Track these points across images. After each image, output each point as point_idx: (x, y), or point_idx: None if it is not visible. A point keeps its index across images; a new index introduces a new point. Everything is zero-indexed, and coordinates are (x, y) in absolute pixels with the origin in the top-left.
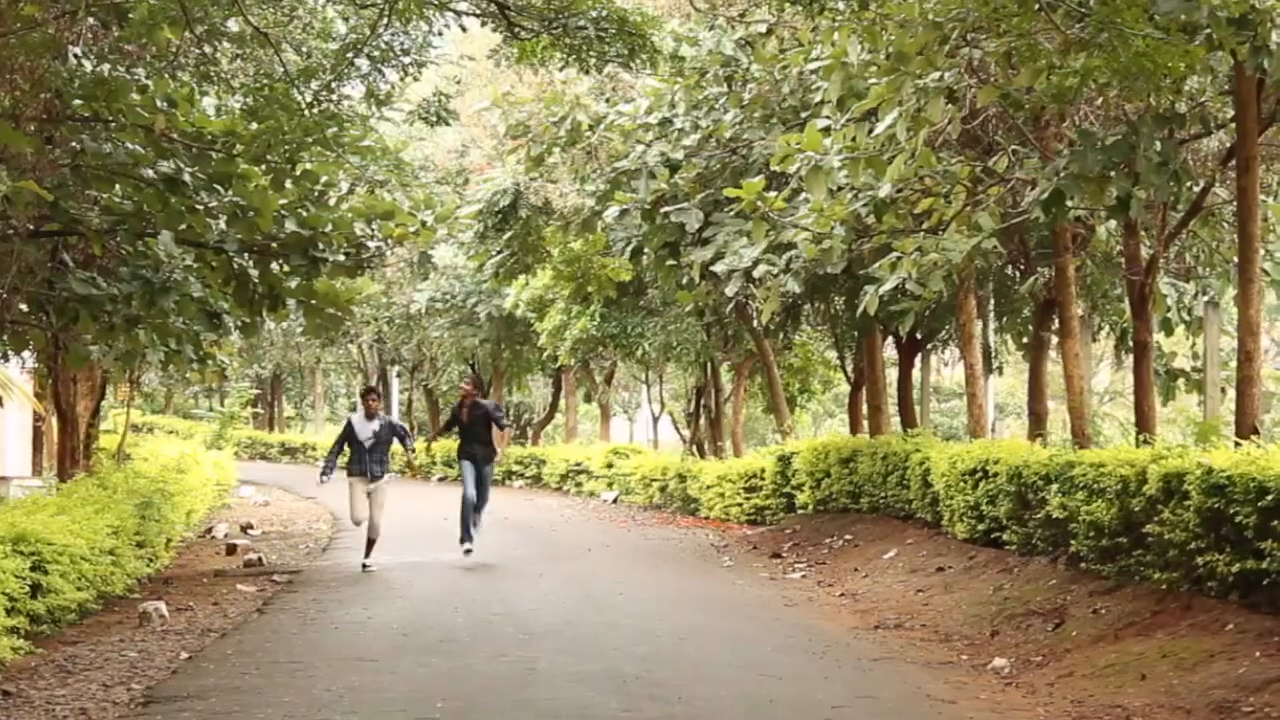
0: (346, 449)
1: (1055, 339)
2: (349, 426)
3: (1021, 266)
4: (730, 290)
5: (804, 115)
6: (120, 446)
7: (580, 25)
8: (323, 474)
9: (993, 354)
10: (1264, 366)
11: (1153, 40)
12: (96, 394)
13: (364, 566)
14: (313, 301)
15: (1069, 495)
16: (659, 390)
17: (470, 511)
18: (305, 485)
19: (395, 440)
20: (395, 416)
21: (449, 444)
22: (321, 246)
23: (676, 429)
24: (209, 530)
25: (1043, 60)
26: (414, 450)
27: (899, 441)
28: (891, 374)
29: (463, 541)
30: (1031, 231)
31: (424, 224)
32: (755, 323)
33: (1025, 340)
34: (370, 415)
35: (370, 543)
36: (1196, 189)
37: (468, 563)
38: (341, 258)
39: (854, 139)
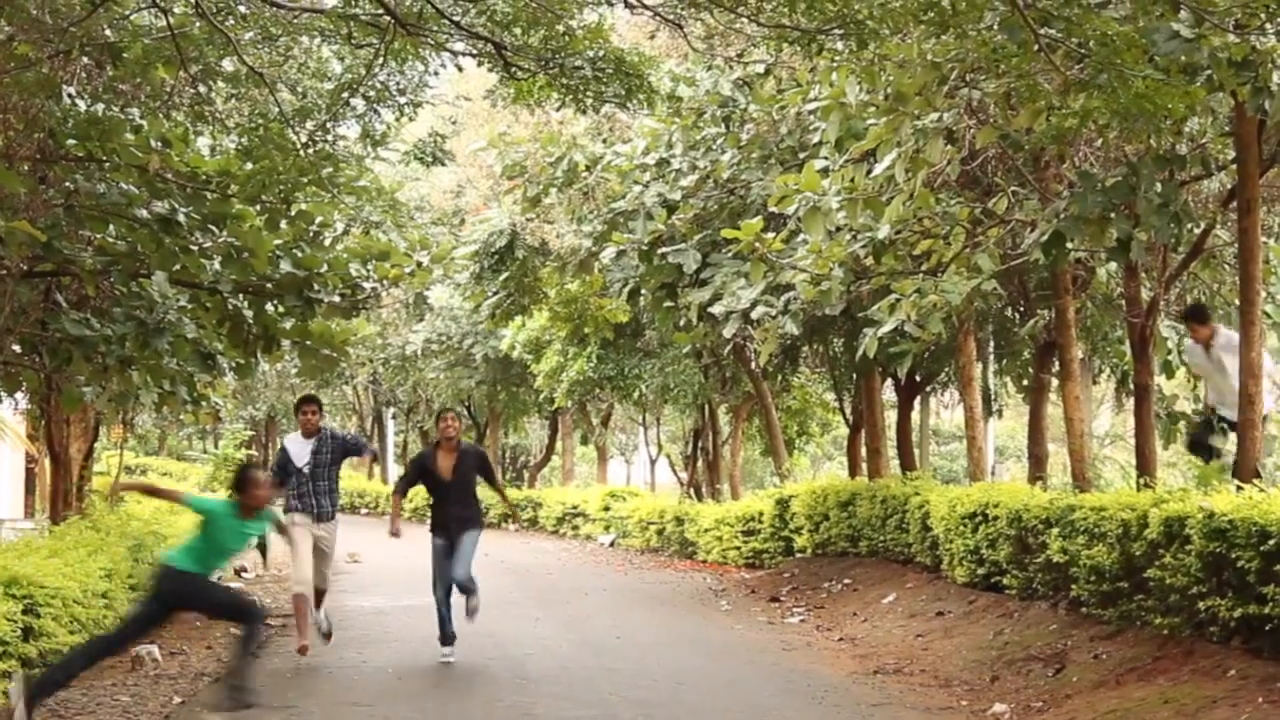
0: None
1: (1055, 381)
2: (282, 450)
3: (1021, 308)
4: (728, 332)
5: (802, 156)
6: (114, 488)
7: (577, 65)
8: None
9: (992, 396)
10: (1266, 409)
11: (1153, 81)
12: (90, 436)
13: (327, 636)
14: (308, 343)
15: (1069, 539)
16: (656, 432)
17: (446, 606)
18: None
19: (351, 456)
20: (346, 429)
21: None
22: (316, 287)
23: (674, 471)
24: None
25: (1042, 101)
26: (375, 456)
27: (898, 485)
28: (890, 416)
29: (443, 643)
30: (1031, 273)
31: (420, 265)
32: (753, 364)
33: (1025, 383)
34: (309, 432)
35: (319, 595)
36: (1197, 231)
37: (460, 614)
38: (337, 298)
39: (852, 180)
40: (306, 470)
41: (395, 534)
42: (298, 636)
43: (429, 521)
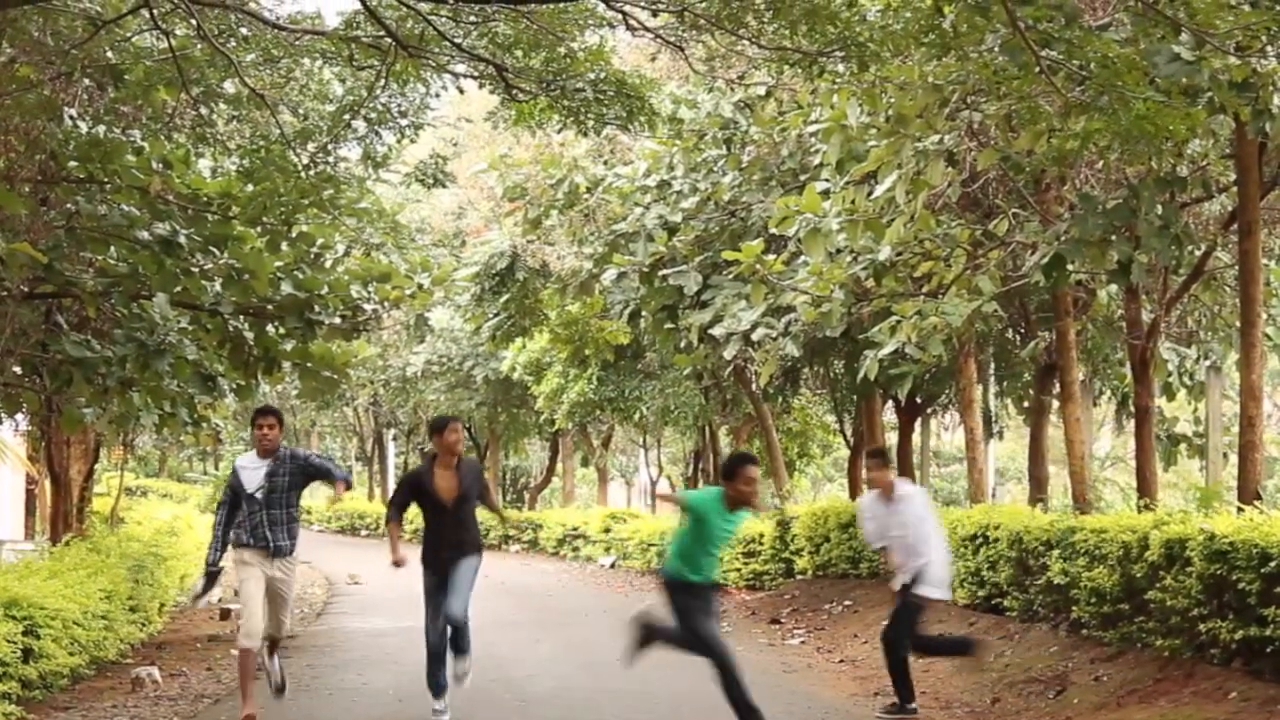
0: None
1: (1056, 403)
2: (233, 473)
3: (1022, 330)
4: (729, 353)
5: (803, 177)
6: (114, 510)
7: (578, 87)
8: (209, 565)
9: (993, 418)
10: (1267, 432)
11: (1154, 103)
12: (90, 457)
13: (279, 690)
14: (308, 364)
15: (1070, 561)
16: (657, 454)
17: (440, 650)
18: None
19: (314, 481)
20: (311, 450)
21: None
22: (317, 309)
23: None
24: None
25: (1043, 123)
26: (347, 484)
27: None
28: (891, 438)
29: (435, 696)
30: (1032, 295)
31: (420, 286)
32: (754, 386)
33: (1026, 405)
34: (265, 452)
35: (273, 644)
36: (1198, 253)
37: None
38: (338, 320)
39: (853, 201)
40: (260, 497)
41: (399, 563)
42: (241, 703)
43: (421, 551)
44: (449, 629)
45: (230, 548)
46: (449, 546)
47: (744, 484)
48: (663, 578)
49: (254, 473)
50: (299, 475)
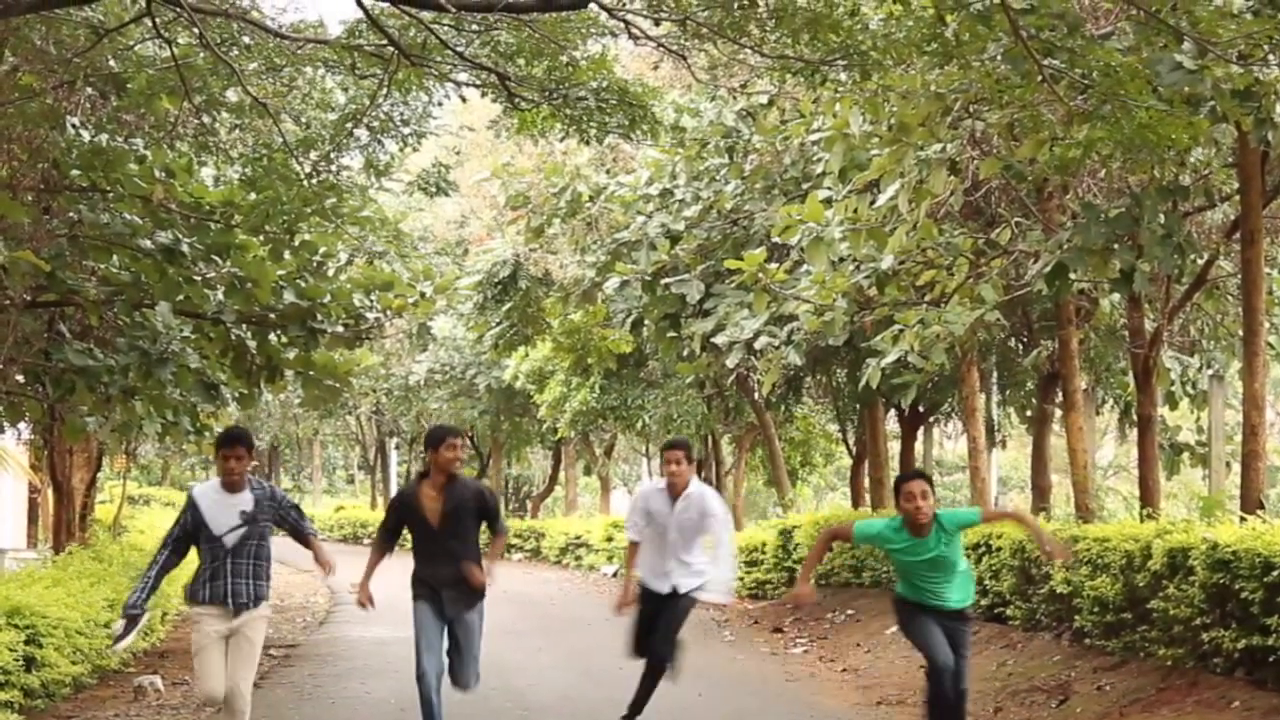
0: (193, 551)
1: (1059, 412)
2: (191, 508)
3: (1025, 339)
4: (731, 362)
5: (805, 186)
6: (116, 518)
7: (581, 96)
8: (129, 607)
9: (996, 427)
10: (1269, 440)
11: (1156, 112)
12: (93, 465)
13: None
14: (311, 373)
15: (1073, 570)
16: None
17: (436, 694)
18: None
19: (284, 529)
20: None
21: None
22: (320, 318)
23: None
24: None
25: (1046, 132)
26: (316, 544)
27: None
28: (894, 447)
29: None
30: (1035, 304)
31: (423, 295)
32: (756, 395)
33: (1028, 413)
34: (234, 485)
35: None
36: (1201, 262)
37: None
38: (340, 329)
39: (856, 210)
40: (228, 543)
41: (362, 604)
42: None
43: (411, 574)
44: (446, 674)
45: (187, 603)
46: (444, 582)
47: (905, 500)
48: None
49: (222, 511)
50: (269, 516)
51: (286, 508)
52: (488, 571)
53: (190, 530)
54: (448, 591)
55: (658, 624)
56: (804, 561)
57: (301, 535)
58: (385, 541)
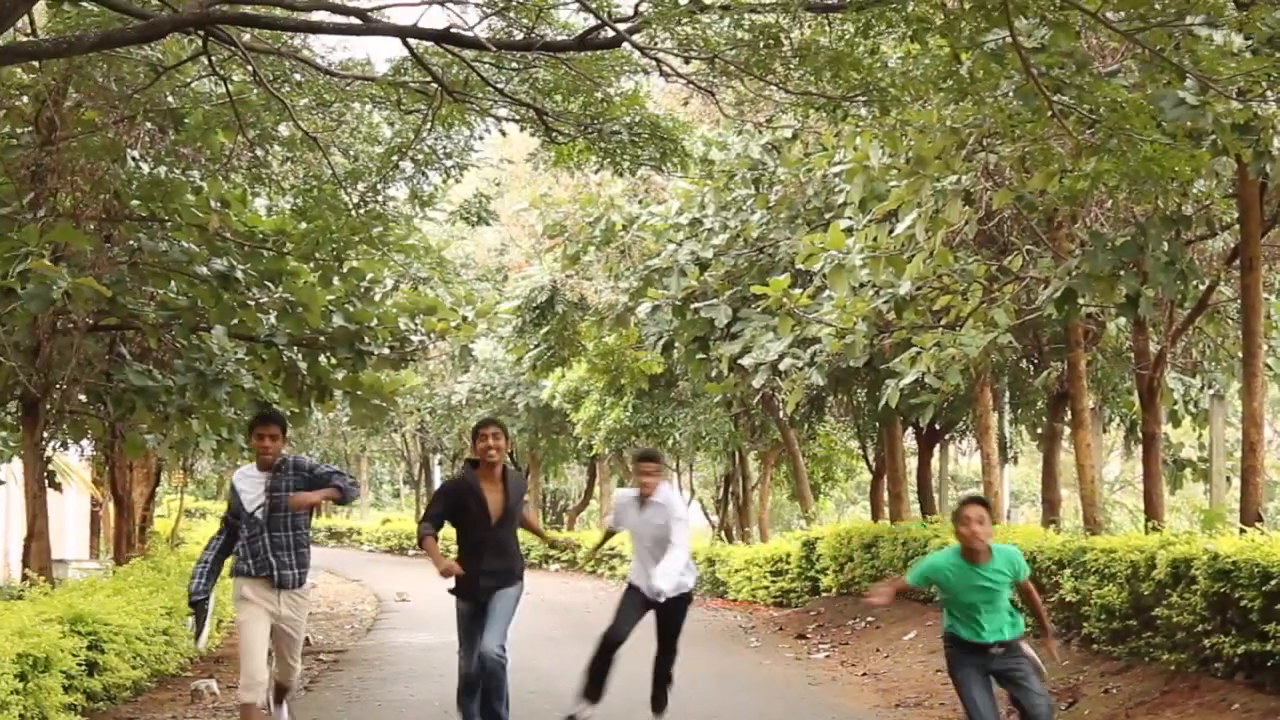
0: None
1: (1068, 430)
2: (233, 491)
3: (1035, 361)
4: (757, 382)
5: (827, 216)
6: (174, 531)
7: (614, 130)
8: (193, 597)
9: (1008, 444)
10: (1267, 457)
11: (1160, 145)
12: (151, 480)
13: None
14: (359, 393)
15: (1081, 579)
16: (689, 478)
17: (474, 684)
18: (351, 568)
19: (325, 495)
20: (323, 462)
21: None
22: (367, 340)
23: (706, 515)
24: None
25: (1055, 164)
26: (341, 495)
27: (919, 528)
28: (911, 463)
29: None
30: (1045, 328)
31: (465, 319)
32: (781, 413)
33: (1039, 431)
34: (267, 464)
35: (281, 691)
36: (1202, 287)
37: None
38: (386, 351)
39: (875, 239)
40: (260, 516)
41: (448, 571)
42: None
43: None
44: (483, 669)
45: (232, 578)
46: (488, 574)
47: (962, 524)
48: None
49: (254, 488)
50: (303, 486)
51: (316, 472)
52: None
53: (235, 511)
54: (490, 581)
55: (658, 635)
56: (893, 579)
57: (329, 482)
58: (434, 528)
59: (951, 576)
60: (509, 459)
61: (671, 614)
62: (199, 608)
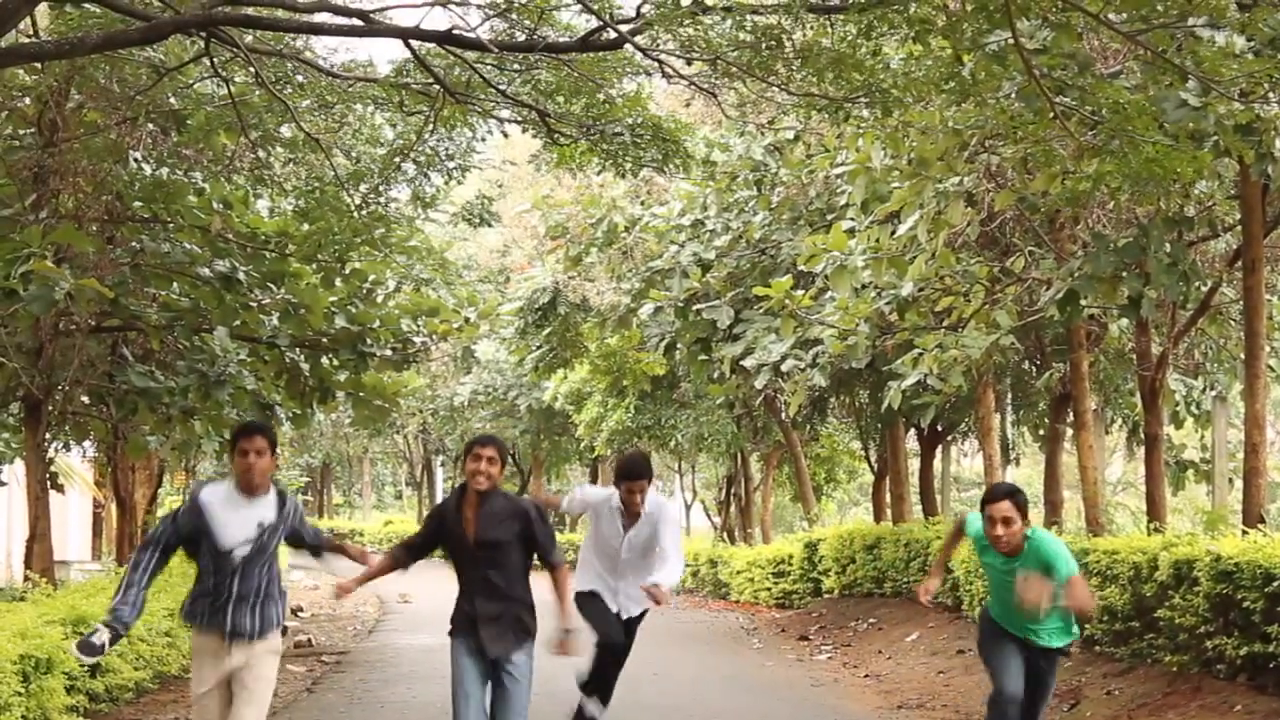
0: (186, 567)
1: (1070, 431)
2: (194, 512)
3: (1038, 362)
4: (759, 384)
5: (830, 217)
6: None
7: (617, 132)
8: (118, 623)
9: (1010, 445)
10: (1270, 458)
11: (1162, 147)
12: (154, 482)
13: None
14: (361, 394)
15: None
16: (691, 479)
17: None
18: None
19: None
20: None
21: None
22: (369, 342)
23: (708, 516)
24: None
25: (1057, 166)
26: (344, 545)
27: (921, 529)
28: (913, 464)
29: None
30: (1047, 329)
31: (467, 320)
32: (783, 415)
33: (1041, 432)
34: (252, 487)
35: None
36: (1205, 289)
37: None
38: (389, 352)
39: (877, 240)
40: (238, 558)
41: (341, 592)
42: None
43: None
44: None
45: (181, 618)
46: (485, 618)
47: (988, 525)
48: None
49: (236, 519)
50: (284, 528)
51: (305, 523)
52: (565, 616)
53: (187, 537)
54: (487, 628)
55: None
56: (938, 554)
57: (317, 545)
58: (403, 551)
59: (988, 558)
60: (513, 462)
61: (629, 634)
62: (115, 638)
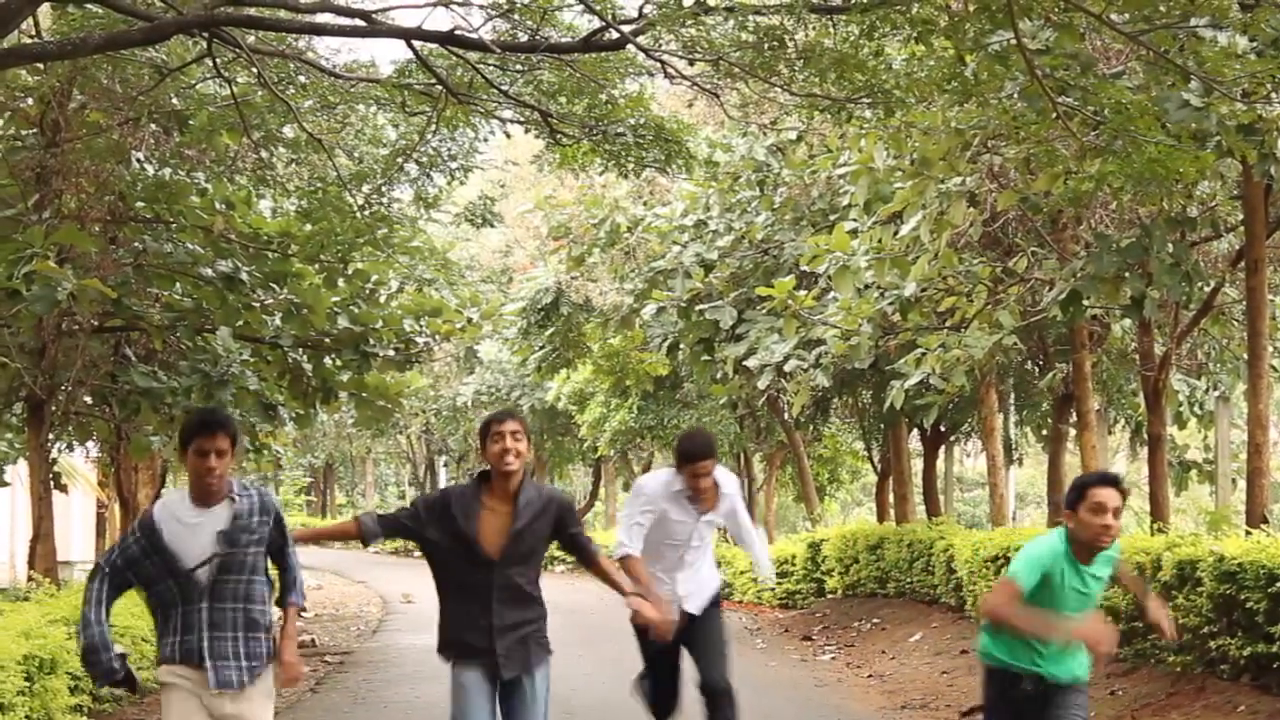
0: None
1: (1073, 431)
2: (146, 532)
3: (1040, 362)
4: (762, 384)
5: (832, 217)
6: None
7: (619, 132)
8: (105, 671)
9: (1013, 446)
10: (1273, 458)
11: (1165, 147)
12: (157, 482)
13: None
14: (364, 394)
15: None
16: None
17: None
18: (356, 569)
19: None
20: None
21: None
22: (372, 342)
23: None
24: None
25: (1060, 166)
26: (297, 604)
27: (924, 529)
28: (916, 464)
29: None
30: (1050, 329)
31: (470, 320)
32: (786, 415)
33: (1044, 433)
34: (208, 494)
35: None
36: (1207, 289)
37: None
38: (391, 353)
39: (880, 240)
40: (203, 578)
41: (305, 537)
42: None
43: (439, 633)
44: None
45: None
46: (501, 634)
47: (1093, 513)
48: (985, 665)
49: (192, 533)
50: (269, 539)
51: (283, 525)
52: (633, 584)
53: (140, 560)
54: (505, 641)
55: (694, 651)
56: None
57: (284, 573)
58: (381, 523)
59: (1059, 578)
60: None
61: (715, 623)
62: (126, 682)
